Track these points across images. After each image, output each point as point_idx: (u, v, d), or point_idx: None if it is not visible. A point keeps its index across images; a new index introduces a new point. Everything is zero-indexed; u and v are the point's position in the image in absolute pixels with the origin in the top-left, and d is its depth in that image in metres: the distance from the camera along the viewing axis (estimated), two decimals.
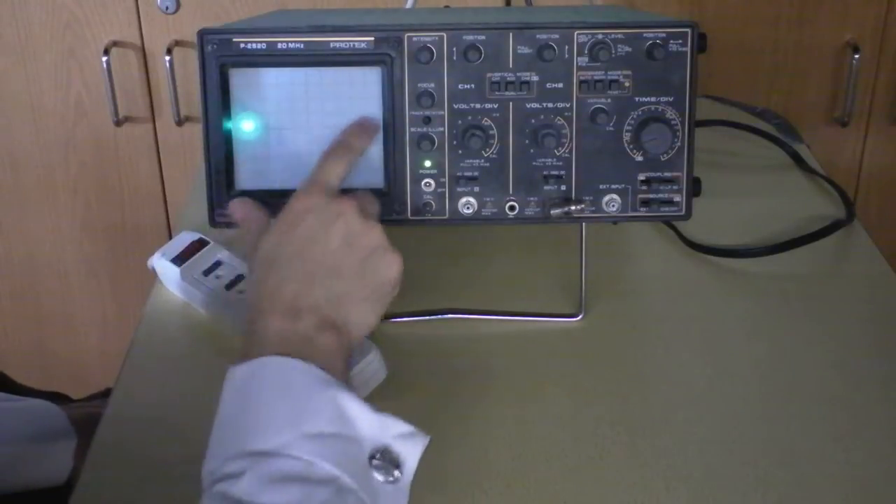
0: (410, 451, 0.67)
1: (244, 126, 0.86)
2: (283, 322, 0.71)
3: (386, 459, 0.66)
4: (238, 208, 0.83)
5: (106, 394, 1.08)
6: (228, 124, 0.86)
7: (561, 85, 0.85)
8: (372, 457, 0.65)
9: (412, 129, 0.86)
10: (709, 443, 0.83)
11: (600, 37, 0.84)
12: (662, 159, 0.87)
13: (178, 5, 1.70)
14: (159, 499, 0.79)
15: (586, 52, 0.85)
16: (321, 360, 0.68)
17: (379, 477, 0.65)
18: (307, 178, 0.79)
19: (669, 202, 0.88)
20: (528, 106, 0.86)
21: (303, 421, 0.64)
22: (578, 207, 0.87)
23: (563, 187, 0.87)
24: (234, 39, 0.84)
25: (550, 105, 0.86)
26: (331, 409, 0.65)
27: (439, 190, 0.87)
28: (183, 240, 1.01)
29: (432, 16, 1.06)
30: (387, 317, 0.98)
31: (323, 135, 0.85)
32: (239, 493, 0.62)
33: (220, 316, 0.96)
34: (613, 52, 0.85)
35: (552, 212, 0.87)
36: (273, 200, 0.87)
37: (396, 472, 0.66)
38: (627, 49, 0.85)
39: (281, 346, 0.69)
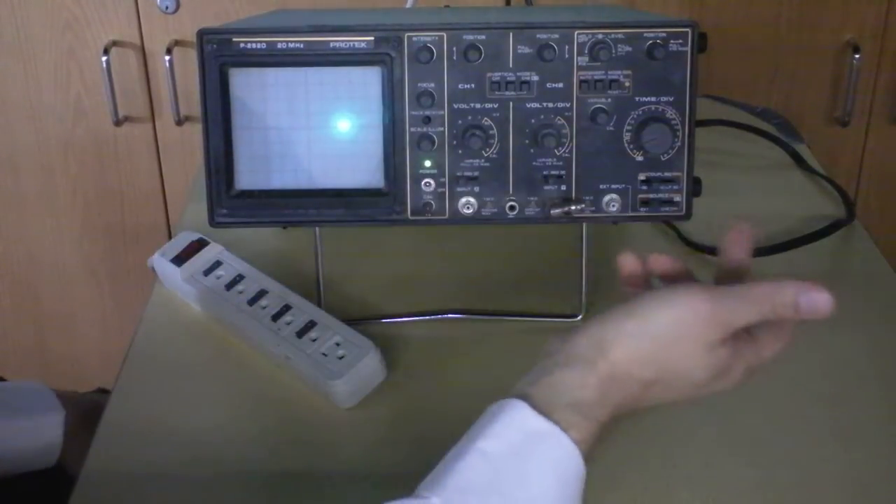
0: None
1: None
2: (606, 418, 0.63)
3: None
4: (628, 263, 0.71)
5: (99, 392, 1.08)
6: (228, 124, 0.86)
7: (561, 85, 0.85)
8: None
9: (412, 129, 0.86)
10: (709, 443, 0.83)
11: (600, 37, 0.84)
12: (662, 159, 0.87)
13: (178, 5, 1.70)
14: (159, 499, 0.79)
15: (586, 51, 0.85)
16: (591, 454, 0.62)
17: None
18: (722, 294, 0.65)
19: (669, 202, 0.88)
20: (528, 106, 0.86)
21: None
22: (578, 207, 0.87)
23: (563, 187, 0.87)
24: (234, 39, 0.84)
25: (550, 105, 0.86)
26: None
27: (439, 190, 0.87)
28: (183, 240, 1.01)
29: (432, 16, 1.06)
30: (387, 317, 0.98)
31: (323, 135, 0.86)
32: None
33: (219, 316, 0.96)
34: (613, 51, 0.85)
35: (552, 212, 0.87)
36: (273, 200, 0.87)
37: None
38: (627, 49, 0.85)
39: (586, 431, 0.62)
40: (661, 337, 0.63)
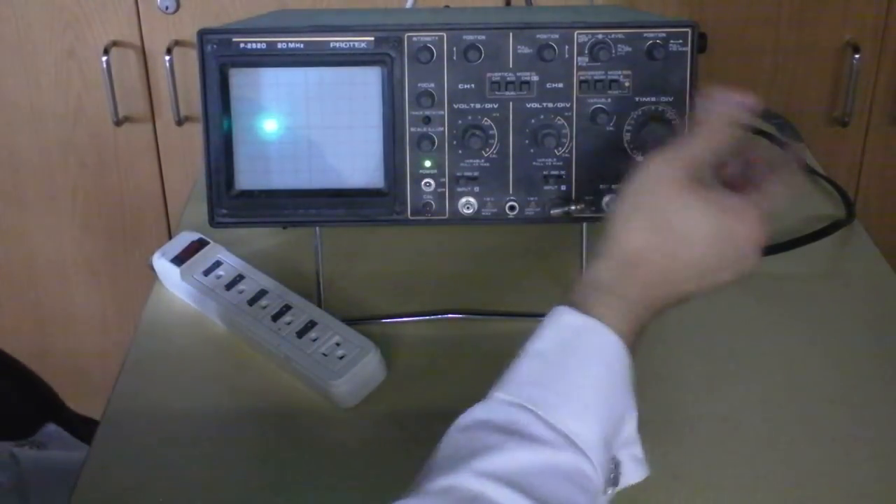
0: (630, 476, 0.68)
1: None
2: (645, 303, 0.68)
3: (613, 472, 0.66)
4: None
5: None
6: (228, 124, 0.86)
7: (561, 85, 0.85)
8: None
9: (412, 129, 0.86)
10: (709, 443, 0.83)
11: (600, 37, 0.84)
12: None
13: (178, 5, 1.70)
14: (159, 499, 0.79)
15: (586, 51, 0.85)
16: (634, 348, 0.68)
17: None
18: (672, 145, 0.70)
19: None
20: (528, 106, 0.86)
21: (606, 424, 0.64)
22: (578, 207, 0.87)
23: (563, 187, 0.87)
24: (234, 39, 0.84)
25: (550, 105, 0.86)
26: (620, 416, 0.66)
27: (439, 190, 0.87)
28: (183, 240, 1.01)
29: (432, 16, 1.06)
30: (387, 317, 0.98)
31: (323, 135, 0.86)
32: (527, 466, 0.61)
33: (219, 316, 0.96)
34: (613, 51, 0.85)
35: (552, 212, 0.87)
36: (273, 200, 0.87)
37: (611, 487, 0.66)
38: (627, 49, 0.85)
39: (626, 324, 0.67)
40: (647, 204, 0.69)
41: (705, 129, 0.70)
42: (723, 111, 0.70)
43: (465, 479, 0.60)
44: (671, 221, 0.68)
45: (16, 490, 1.06)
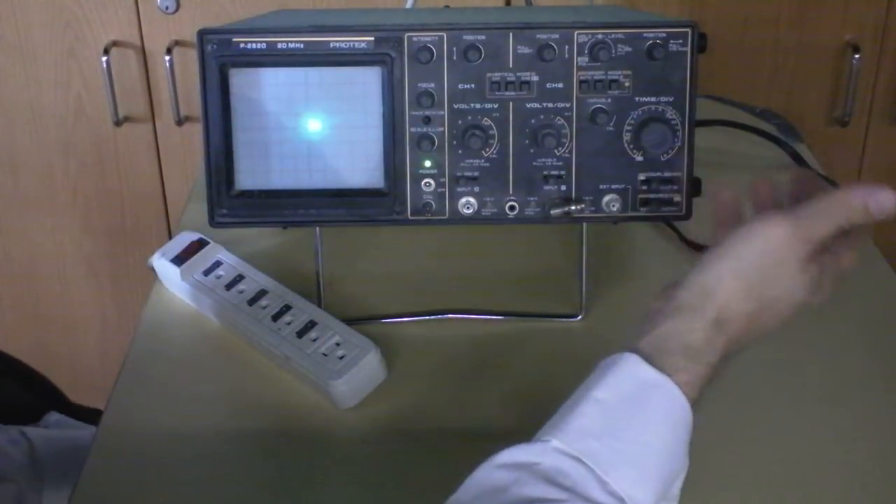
0: None
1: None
2: (716, 357, 0.66)
3: None
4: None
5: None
6: (228, 124, 0.86)
7: (561, 85, 0.85)
8: None
9: (412, 129, 0.86)
10: (709, 443, 0.83)
11: (600, 37, 0.84)
12: (662, 159, 0.87)
13: (178, 5, 1.70)
14: (159, 498, 0.79)
15: (586, 52, 0.85)
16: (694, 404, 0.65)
17: None
18: (797, 215, 0.69)
19: (669, 202, 0.88)
20: (528, 106, 0.86)
21: (662, 487, 0.63)
22: (578, 207, 0.87)
23: (563, 187, 0.87)
24: (234, 39, 0.84)
25: (550, 105, 0.86)
26: (673, 478, 0.65)
27: (439, 190, 0.87)
28: (183, 240, 1.01)
29: (432, 16, 1.06)
30: (387, 317, 0.98)
31: (323, 135, 0.86)
32: None
33: (219, 316, 0.96)
34: (613, 52, 0.85)
35: (552, 212, 0.87)
36: (273, 200, 0.87)
37: None
38: (627, 49, 0.85)
39: (692, 388, 0.64)
40: (756, 269, 0.67)
41: (840, 208, 0.68)
42: (859, 200, 0.68)
43: None
44: (778, 295, 0.68)
45: (30, 465, 1.07)
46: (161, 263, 1.00)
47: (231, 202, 0.87)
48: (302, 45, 0.84)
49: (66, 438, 1.13)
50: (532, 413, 0.86)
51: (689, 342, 0.65)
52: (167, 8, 1.69)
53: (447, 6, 1.48)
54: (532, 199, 0.87)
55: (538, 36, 0.85)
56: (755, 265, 0.67)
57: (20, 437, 1.10)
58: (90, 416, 1.21)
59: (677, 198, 0.88)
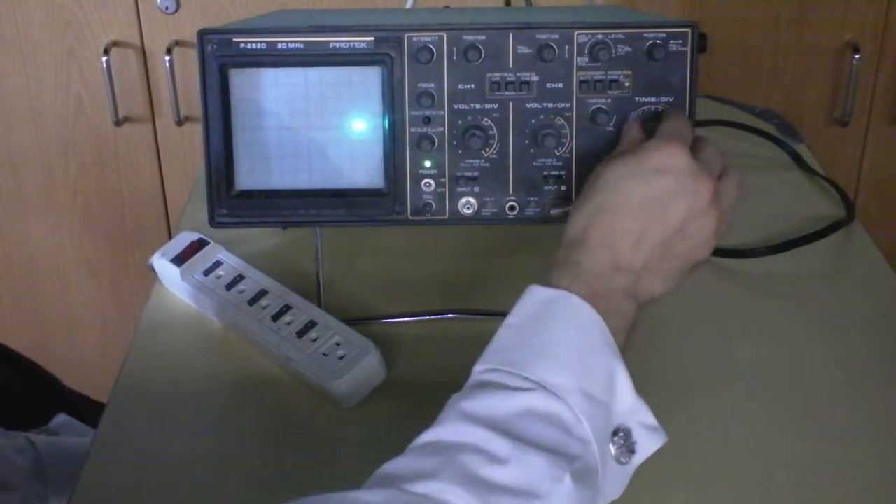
0: (647, 443, 0.69)
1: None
2: (601, 269, 0.71)
3: (624, 441, 0.68)
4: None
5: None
6: (228, 124, 0.86)
7: (561, 85, 0.85)
8: (615, 433, 0.68)
9: (412, 129, 0.86)
10: (709, 443, 0.83)
11: (600, 37, 0.84)
12: None
13: (178, 5, 1.70)
14: (159, 498, 0.79)
15: (586, 52, 0.85)
16: (614, 324, 0.69)
17: (613, 452, 0.67)
18: (664, 130, 0.77)
19: None
20: (528, 106, 0.86)
21: (584, 377, 0.67)
22: None
23: (563, 187, 0.87)
24: (234, 39, 0.84)
25: (550, 105, 0.86)
26: (607, 376, 0.68)
27: (439, 190, 0.87)
28: (183, 240, 1.01)
29: (432, 16, 1.06)
30: (387, 317, 0.98)
31: (323, 135, 0.86)
32: (503, 411, 0.64)
33: (219, 316, 0.96)
34: (613, 52, 0.85)
35: (552, 212, 0.87)
36: (273, 200, 0.87)
37: (628, 457, 0.68)
38: (627, 49, 0.85)
39: (589, 291, 0.70)
40: (591, 192, 0.74)
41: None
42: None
43: (443, 431, 0.65)
44: (608, 194, 0.73)
45: (35, 472, 1.07)
46: (161, 263, 1.00)
47: (231, 202, 0.87)
48: (302, 46, 0.84)
49: (72, 445, 1.14)
50: None
51: (556, 259, 0.73)
52: (167, 8, 1.70)
53: (447, 6, 1.48)
54: (532, 199, 0.87)
55: (538, 36, 0.85)
56: (607, 189, 0.74)
57: (27, 445, 1.10)
58: (95, 410, 1.21)
59: None
